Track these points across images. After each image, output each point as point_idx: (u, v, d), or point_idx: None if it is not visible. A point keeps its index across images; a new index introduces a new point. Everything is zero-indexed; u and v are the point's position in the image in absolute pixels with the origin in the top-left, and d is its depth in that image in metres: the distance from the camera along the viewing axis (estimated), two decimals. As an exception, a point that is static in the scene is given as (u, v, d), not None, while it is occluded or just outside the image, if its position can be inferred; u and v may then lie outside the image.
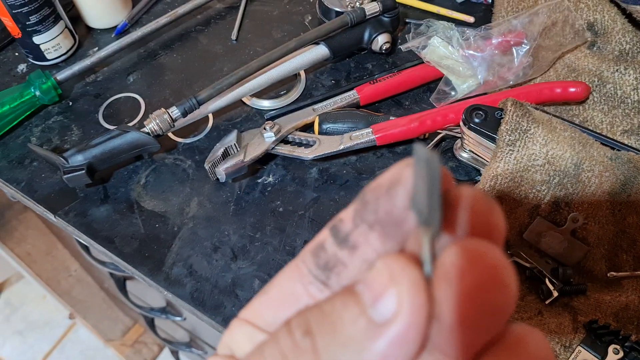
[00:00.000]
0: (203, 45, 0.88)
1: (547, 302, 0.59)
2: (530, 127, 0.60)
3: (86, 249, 1.13)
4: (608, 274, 0.60)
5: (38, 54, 0.84)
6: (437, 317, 0.19)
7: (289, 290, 0.24)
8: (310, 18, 0.90)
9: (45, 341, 1.96)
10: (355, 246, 0.22)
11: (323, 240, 0.23)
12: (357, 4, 0.82)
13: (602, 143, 0.64)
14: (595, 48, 0.76)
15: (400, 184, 0.21)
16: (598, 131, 0.71)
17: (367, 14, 0.78)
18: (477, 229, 0.20)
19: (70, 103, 0.81)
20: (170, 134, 0.75)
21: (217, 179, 0.70)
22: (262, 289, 0.26)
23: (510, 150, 0.60)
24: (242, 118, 0.78)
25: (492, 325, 0.19)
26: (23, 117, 0.78)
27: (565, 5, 0.75)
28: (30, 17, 0.78)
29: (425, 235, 0.20)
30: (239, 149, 0.69)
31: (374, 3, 0.79)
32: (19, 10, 0.77)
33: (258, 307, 0.26)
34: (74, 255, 1.50)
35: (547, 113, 0.65)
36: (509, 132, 0.60)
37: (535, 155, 0.60)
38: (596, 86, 0.74)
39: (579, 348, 0.56)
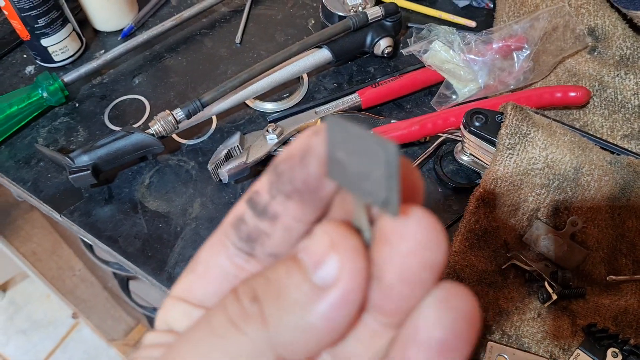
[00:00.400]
0: (208, 49, 0.89)
1: (546, 305, 0.59)
2: (530, 130, 0.61)
3: (90, 248, 1.14)
4: (607, 278, 0.60)
5: (46, 56, 0.85)
6: (378, 279, 0.21)
7: (215, 265, 0.25)
8: (313, 22, 0.91)
9: (48, 340, 1.97)
10: (275, 216, 0.23)
11: (242, 213, 0.24)
12: (360, 8, 0.83)
13: (602, 147, 0.65)
14: (595, 53, 0.77)
15: (312, 153, 0.22)
16: (598, 135, 0.71)
17: (369, 18, 0.79)
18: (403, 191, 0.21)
19: (77, 104, 0.82)
20: (174, 136, 0.76)
21: (220, 180, 0.71)
22: (189, 266, 0.26)
23: (510, 153, 0.61)
24: (245, 120, 0.78)
25: (425, 283, 0.21)
26: (30, 118, 0.79)
27: (566, 10, 0.75)
28: (38, 20, 0.79)
29: (361, 204, 0.22)
30: (241, 150, 0.70)
31: (377, 7, 0.80)
32: (28, 14, 0.78)
33: (188, 284, 0.26)
34: (78, 254, 1.51)
35: (548, 117, 0.66)
36: (508, 136, 0.61)
37: (535, 159, 0.61)
38: (597, 91, 0.74)
39: (578, 351, 0.57)
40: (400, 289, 0.21)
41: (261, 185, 0.24)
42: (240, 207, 0.24)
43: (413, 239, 0.20)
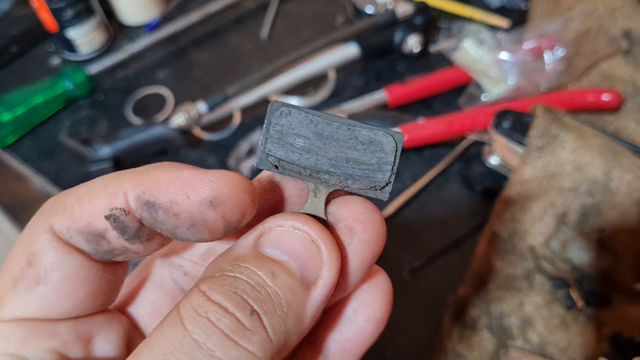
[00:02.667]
0: (233, 43, 0.88)
1: (571, 311, 0.57)
2: (559, 133, 0.59)
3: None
4: (634, 286, 0.58)
5: (72, 48, 0.85)
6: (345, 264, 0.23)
7: (75, 275, 0.23)
8: (341, 19, 0.90)
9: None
10: (149, 239, 0.23)
11: (101, 229, 0.22)
12: (389, 5, 0.81)
13: (633, 152, 0.63)
14: (630, 56, 0.75)
15: (207, 227, 0.22)
16: (630, 141, 0.69)
17: (398, 15, 0.78)
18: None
19: (101, 97, 0.82)
20: (196, 131, 0.76)
21: (242, 176, 0.70)
22: (28, 275, 0.23)
23: (538, 155, 0.59)
24: (269, 116, 0.77)
25: (370, 266, 0.24)
26: (55, 109, 0.79)
27: (601, 12, 0.73)
28: (66, 12, 0.79)
29: (323, 192, 0.24)
30: (264, 146, 0.69)
31: (406, 5, 0.78)
32: (57, 6, 0.78)
33: (41, 300, 0.23)
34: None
35: (579, 121, 0.64)
36: (537, 138, 0.59)
37: (564, 162, 0.59)
38: (630, 95, 0.72)
39: (602, 360, 0.55)
40: (360, 272, 0.24)
41: (125, 203, 0.22)
42: (96, 219, 0.22)
43: (372, 228, 0.23)
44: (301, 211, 0.24)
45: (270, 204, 0.25)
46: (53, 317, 0.23)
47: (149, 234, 0.22)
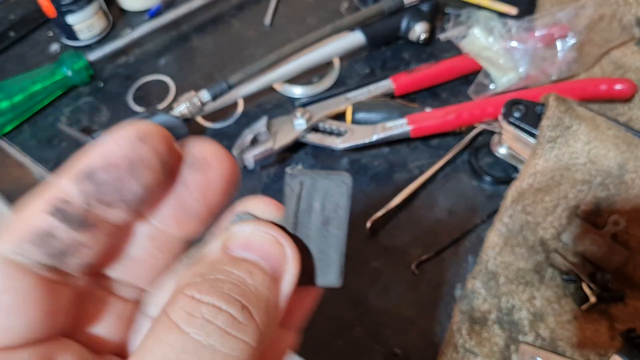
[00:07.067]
0: (236, 30, 0.86)
1: (583, 307, 0.56)
2: (572, 123, 0.58)
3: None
4: (650, 281, 0.57)
5: (71, 34, 0.83)
6: None
7: (27, 295, 0.22)
8: (346, 5, 0.88)
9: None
10: (94, 225, 0.23)
11: (46, 228, 0.22)
12: (396, -9, 0.80)
13: (648, 144, 0.61)
14: (643, 45, 0.73)
15: (145, 164, 0.23)
16: (643, 132, 0.68)
17: (405, 2, 0.76)
18: None
19: (101, 84, 0.80)
20: (199, 119, 0.74)
21: (245, 166, 0.68)
22: None
23: (550, 146, 0.58)
24: (272, 105, 0.76)
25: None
26: (54, 97, 0.78)
27: (614, -1, 0.72)
28: (65, -3, 0.78)
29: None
30: (268, 136, 0.67)
31: (413, -9, 0.77)
32: (55, -10, 0.77)
33: None
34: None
35: (591, 111, 0.62)
36: (550, 128, 0.58)
37: (577, 153, 0.57)
38: (643, 84, 0.70)
39: (615, 357, 0.54)
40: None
41: (68, 194, 0.22)
42: (40, 221, 0.22)
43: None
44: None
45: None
46: (9, 345, 0.21)
47: (96, 218, 0.23)
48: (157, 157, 0.23)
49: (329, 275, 0.27)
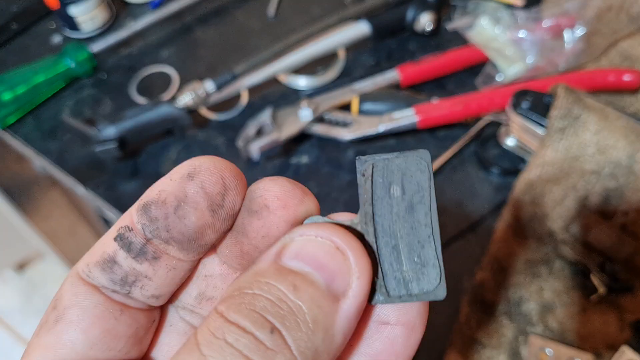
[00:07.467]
0: (239, 21, 0.86)
1: (592, 298, 0.56)
2: (581, 114, 0.57)
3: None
4: (659, 272, 0.57)
5: (74, 25, 0.82)
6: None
7: (88, 311, 0.22)
8: (351, -4, 0.87)
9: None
10: (156, 258, 0.22)
11: (111, 253, 0.22)
12: (401, -18, 0.79)
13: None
14: (651, 35, 0.72)
15: (188, 203, 0.21)
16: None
17: (411, -8, 0.75)
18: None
19: (104, 75, 0.80)
20: (203, 110, 0.74)
21: (250, 157, 0.68)
22: (51, 316, 0.22)
23: (559, 137, 0.57)
24: (277, 96, 0.75)
25: None
26: (57, 88, 0.77)
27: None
28: (67, -13, 0.77)
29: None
30: (273, 127, 0.67)
31: (419, -19, 0.76)
32: (57, -20, 0.76)
33: (56, 337, 0.22)
34: (98, 236, 1.49)
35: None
36: (559, 119, 0.57)
37: (586, 144, 0.57)
38: (651, 75, 0.70)
39: (624, 348, 0.53)
40: None
41: (130, 221, 0.22)
42: (108, 246, 0.22)
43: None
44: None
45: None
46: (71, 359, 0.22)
47: (155, 251, 0.22)
48: (205, 197, 0.21)
49: (426, 282, 0.21)
